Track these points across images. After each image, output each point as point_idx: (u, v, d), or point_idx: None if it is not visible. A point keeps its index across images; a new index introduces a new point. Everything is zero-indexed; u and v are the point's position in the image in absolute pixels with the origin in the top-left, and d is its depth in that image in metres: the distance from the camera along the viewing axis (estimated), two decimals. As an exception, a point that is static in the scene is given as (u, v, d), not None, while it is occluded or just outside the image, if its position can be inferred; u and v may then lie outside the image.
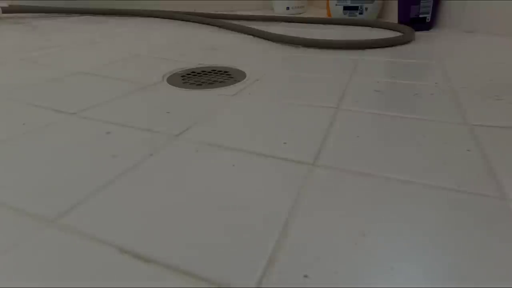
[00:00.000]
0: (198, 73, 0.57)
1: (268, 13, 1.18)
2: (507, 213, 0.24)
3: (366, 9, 1.05)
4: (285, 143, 0.34)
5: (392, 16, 1.00)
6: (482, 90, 0.48)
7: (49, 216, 0.24)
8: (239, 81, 0.53)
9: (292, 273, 0.20)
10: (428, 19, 0.92)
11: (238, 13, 1.11)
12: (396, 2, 0.94)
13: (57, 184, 0.28)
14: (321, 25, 1.01)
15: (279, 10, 1.24)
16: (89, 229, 0.23)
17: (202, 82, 0.52)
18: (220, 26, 0.97)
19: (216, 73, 0.57)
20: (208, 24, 1.02)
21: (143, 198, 0.26)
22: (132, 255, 0.21)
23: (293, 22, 1.06)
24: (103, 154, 0.32)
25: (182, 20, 1.09)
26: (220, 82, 0.53)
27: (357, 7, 1.05)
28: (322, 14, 1.16)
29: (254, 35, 0.86)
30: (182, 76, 0.55)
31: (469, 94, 0.47)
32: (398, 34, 0.83)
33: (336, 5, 1.08)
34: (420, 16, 0.91)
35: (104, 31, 0.93)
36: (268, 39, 0.82)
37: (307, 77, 0.56)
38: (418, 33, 0.86)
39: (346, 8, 1.06)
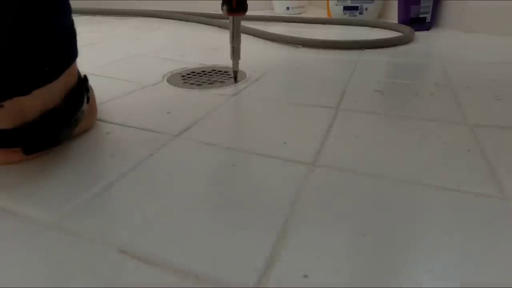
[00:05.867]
0: (198, 73, 0.57)
1: (268, 13, 1.18)
2: (507, 213, 0.24)
3: (366, 9, 1.05)
4: (285, 143, 0.34)
5: (392, 16, 1.00)
6: (482, 90, 0.48)
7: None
8: (239, 81, 0.53)
9: (292, 273, 0.20)
10: (428, 19, 0.92)
11: (238, 13, 1.11)
12: (396, 2, 0.94)
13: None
14: (321, 25, 1.01)
15: (279, 10, 1.24)
16: (90, 230, 0.23)
17: (202, 82, 0.52)
18: (220, 26, 0.97)
19: (216, 73, 0.57)
20: (208, 24, 1.02)
21: (143, 198, 0.26)
22: (131, 255, 0.21)
23: (293, 22, 1.06)
24: (102, 155, 0.32)
25: (182, 20, 1.09)
26: (220, 82, 0.53)
27: (357, 7, 1.05)
28: (322, 14, 1.16)
29: (254, 35, 0.86)
30: (182, 76, 0.55)
31: (469, 94, 0.47)
32: (398, 34, 0.83)
33: (336, 5, 1.08)
34: (420, 16, 0.91)
35: (104, 31, 0.93)
36: (268, 39, 0.82)
37: (307, 77, 0.56)
38: (418, 33, 0.86)
39: (346, 8, 1.06)
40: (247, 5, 0.48)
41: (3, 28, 0.25)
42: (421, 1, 0.89)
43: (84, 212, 0.25)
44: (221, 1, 0.48)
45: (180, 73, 0.57)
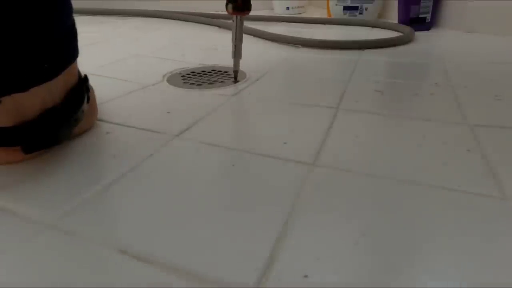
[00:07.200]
0: (198, 73, 0.57)
1: (268, 13, 1.18)
2: (507, 213, 0.24)
3: (366, 9, 1.05)
4: (285, 143, 0.34)
5: (392, 16, 1.00)
6: (482, 90, 0.48)
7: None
8: (239, 81, 0.53)
9: (292, 273, 0.20)
10: (428, 19, 0.92)
11: (238, 13, 1.11)
12: (396, 2, 0.94)
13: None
14: (321, 25, 1.01)
15: (279, 10, 1.24)
16: (90, 230, 0.23)
17: (202, 82, 0.52)
18: (220, 26, 0.97)
19: (216, 73, 0.57)
20: (208, 24, 1.02)
21: (143, 198, 0.26)
22: (131, 255, 0.21)
23: (293, 22, 1.06)
24: (102, 155, 0.32)
25: (182, 20, 1.09)
26: (220, 82, 0.53)
27: (357, 7, 1.05)
28: (322, 14, 1.16)
29: (254, 35, 0.86)
30: (182, 76, 0.55)
31: (469, 94, 0.47)
32: (398, 34, 0.83)
33: (336, 5, 1.07)
34: (420, 16, 0.91)
35: (104, 31, 0.93)
36: (268, 39, 0.82)
37: (307, 77, 0.56)
38: (418, 33, 0.86)
39: (346, 8, 1.06)
40: (251, 4, 0.48)
41: (2, 25, 0.25)
42: (421, 1, 0.89)
43: (84, 212, 0.25)
44: (225, 1, 0.48)
45: (180, 73, 0.57)
